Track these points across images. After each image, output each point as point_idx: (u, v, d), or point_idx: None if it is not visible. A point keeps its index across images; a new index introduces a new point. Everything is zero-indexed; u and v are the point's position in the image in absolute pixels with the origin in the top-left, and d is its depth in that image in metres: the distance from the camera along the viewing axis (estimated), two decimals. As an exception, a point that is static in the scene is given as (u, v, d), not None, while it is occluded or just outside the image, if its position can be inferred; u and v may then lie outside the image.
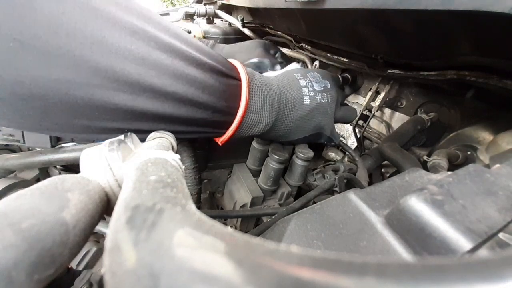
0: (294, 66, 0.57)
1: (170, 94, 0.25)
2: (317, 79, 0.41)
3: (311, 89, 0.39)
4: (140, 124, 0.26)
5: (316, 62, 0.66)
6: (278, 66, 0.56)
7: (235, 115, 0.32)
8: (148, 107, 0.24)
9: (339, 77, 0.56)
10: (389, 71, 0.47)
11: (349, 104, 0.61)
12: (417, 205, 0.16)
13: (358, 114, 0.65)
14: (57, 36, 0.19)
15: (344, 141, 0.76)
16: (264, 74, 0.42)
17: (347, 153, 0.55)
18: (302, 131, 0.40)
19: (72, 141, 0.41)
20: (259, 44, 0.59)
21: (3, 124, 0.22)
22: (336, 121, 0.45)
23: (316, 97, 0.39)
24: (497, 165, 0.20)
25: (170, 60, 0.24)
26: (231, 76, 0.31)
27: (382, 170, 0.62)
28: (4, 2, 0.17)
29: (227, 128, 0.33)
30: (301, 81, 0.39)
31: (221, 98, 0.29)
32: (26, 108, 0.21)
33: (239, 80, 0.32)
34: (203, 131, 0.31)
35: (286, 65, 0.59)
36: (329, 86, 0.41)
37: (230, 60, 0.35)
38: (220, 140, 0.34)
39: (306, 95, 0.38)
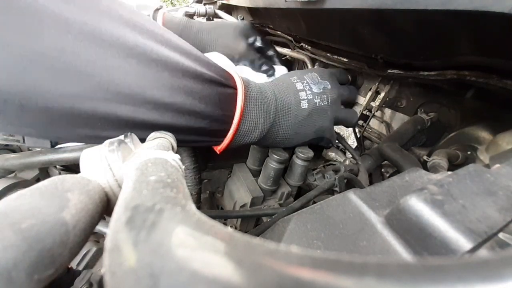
0: (283, 70, 0.55)
1: (169, 105, 0.26)
2: (315, 80, 0.40)
3: (309, 92, 0.38)
4: (140, 133, 0.27)
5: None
6: (264, 67, 0.54)
7: (231, 123, 0.32)
8: (148, 118, 0.26)
9: (344, 72, 0.51)
10: (389, 71, 0.47)
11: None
12: (417, 205, 0.16)
13: (358, 114, 0.65)
14: (63, 53, 0.20)
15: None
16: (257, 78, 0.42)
17: (349, 154, 0.55)
18: (302, 137, 0.40)
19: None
20: (239, 33, 0.55)
21: (11, 131, 0.24)
22: (338, 123, 0.44)
23: (315, 100, 0.38)
24: (497, 165, 0.20)
25: (168, 73, 0.26)
26: (227, 85, 0.32)
27: (382, 170, 0.62)
28: (15, 22, 0.18)
29: (224, 137, 0.33)
30: (298, 85, 0.38)
31: (217, 107, 0.30)
32: (32, 119, 0.22)
33: (235, 88, 0.33)
34: (201, 140, 0.32)
35: (273, 56, 0.56)
36: (329, 86, 0.40)
37: (227, 69, 0.35)
38: (218, 149, 0.35)
39: (303, 99, 0.37)
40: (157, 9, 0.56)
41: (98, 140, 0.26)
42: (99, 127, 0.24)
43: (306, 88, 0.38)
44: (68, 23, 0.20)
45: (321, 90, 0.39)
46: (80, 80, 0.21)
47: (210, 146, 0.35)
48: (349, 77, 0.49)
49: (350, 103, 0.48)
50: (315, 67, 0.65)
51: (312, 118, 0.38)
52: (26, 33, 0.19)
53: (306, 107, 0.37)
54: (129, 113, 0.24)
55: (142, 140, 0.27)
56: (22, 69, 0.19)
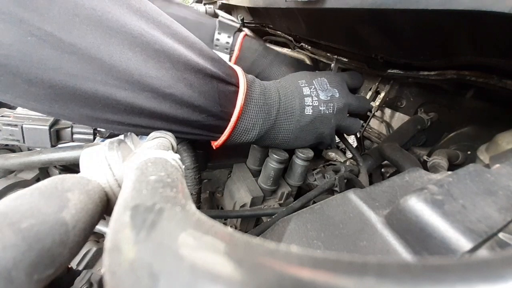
0: None
1: (168, 96, 0.27)
2: (324, 87, 0.39)
3: (315, 99, 0.37)
4: (138, 120, 0.27)
5: (333, 65, 0.58)
6: None
7: (229, 120, 0.32)
8: (147, 105, 0.26)
9: (358, 75, 0.48)
10: (389, 71, 0.47)
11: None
12: (417, 205, 0.16)
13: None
14: (70, 35, 0.21)
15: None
16: None
17: (349, 154, 0.55)
18: (302, 141, 0.40)
19: (72, 141, 0.41)
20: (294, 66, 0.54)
21: (19, 104, 0.25)
22: (339, 131, 0.44)
23: (320, 108, 0.37)
24: (497, 165, 0.20)
25: (170, 65, 0.26)
26: (230, 82, 0.32)
27: (382, 170, 0.62)
28: (28, 1, 0.19)
29: (221, 133, 0.33)
30: (305, 89, 0.37)
31: (216, 103, 0.30)
32: (39, 93, 0.23)
33: (237, 86, 0.33)
34: (198, 133, 0.32)
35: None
36: (337, 95, 0.39)
37: (233, 66, 0.35)
38: (215, 144, 0.35)
39: (308, 105, 0.37)
40: (238, 31, 0.56)
41: (99, 122, 0.27)
42: (99, 109, 0.25)
43: (313, 94, 0.37)
44: (77, 7, 0.21)
45: (328, 98, 0.38)
46: (83, 61, 0.22)
47: (206, 140, 0.35)
48: (363, 80, 0.48)
49: (358, 115, 0.46)
50: (328, 70, 0.63)
51: (314, 125, 0.38)
52: (37, 12, 0.20)
53: (310, 113, 0.37)
54: (127, 99, 0.25)
55: (140, 126, 0.27)
56: (31, 46, 0.20)
